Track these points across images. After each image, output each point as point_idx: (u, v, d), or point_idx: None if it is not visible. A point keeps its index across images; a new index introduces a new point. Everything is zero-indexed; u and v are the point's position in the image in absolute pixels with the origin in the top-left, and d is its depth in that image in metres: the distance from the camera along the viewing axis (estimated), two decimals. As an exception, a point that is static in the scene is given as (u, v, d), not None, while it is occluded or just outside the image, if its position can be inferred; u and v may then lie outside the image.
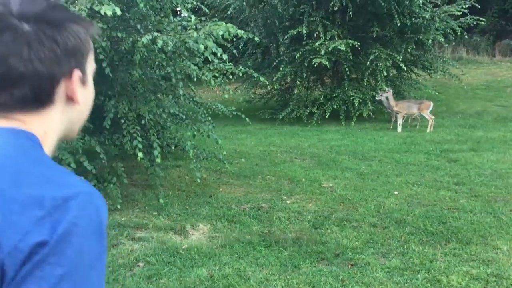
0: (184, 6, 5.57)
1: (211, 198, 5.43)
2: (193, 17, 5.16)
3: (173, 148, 6.34)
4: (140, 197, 5.44)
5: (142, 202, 5.31)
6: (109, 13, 3.91)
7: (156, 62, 5.35)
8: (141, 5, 4.63)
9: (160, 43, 4.33)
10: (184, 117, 5.99)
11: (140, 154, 4.75)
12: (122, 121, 4.90)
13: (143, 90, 5.23)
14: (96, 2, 3.98)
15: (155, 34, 4.48)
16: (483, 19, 13.30)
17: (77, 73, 0.77)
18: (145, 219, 4.81)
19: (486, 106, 12.16)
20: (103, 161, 4.90)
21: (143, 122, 5.04)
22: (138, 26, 5.28)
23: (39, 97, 0.75)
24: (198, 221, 4.73)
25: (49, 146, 0.79)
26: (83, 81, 0.80)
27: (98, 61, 4.59)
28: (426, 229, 4.43)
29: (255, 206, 5.18)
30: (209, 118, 6.34)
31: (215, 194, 5.59)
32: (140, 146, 4.77)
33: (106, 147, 5.27)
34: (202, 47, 4.55)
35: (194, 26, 5.09)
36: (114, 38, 4.72)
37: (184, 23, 5.40)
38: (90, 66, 0.83)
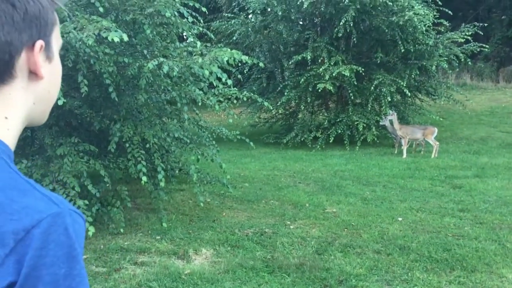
0: (190, 32, 5.67)
1: (214, 223, 5.41)
2: (198, 43, 5.25)
3: (177, 172, 6.36)
4: (144, 221, 5.43)
5: (145, 226, 5.30)
6: (116, 39, 3.98)
7: (162, 87, 5.42)
8: (148, 31, 4.72)
9: (166, 68, 4.39)
10: (188, 141, 6.02)
11: (144, 178, 4.77)
12: (127, 145, 4.93)
13: (148, 114, 5.28)
14: (104, 29, 4.06)
15: (161, 59, 4.54)
16: (487, 46, 13.41)
17: (39, 43, 0.69)
18: (148, 243, 4.79)
19: (490, 132, 12.15)
20: (107, 185, 4.92)
21: (147, 146, 5.07)
22: (145, 52, 5.36)
23: None
24: (201, 246, 4.70)
25: (11, 134, 0.69)
26: (48, 56, 0.72)
27: (104, 86, 4.66)
28: (431, 256, 4.39)
29: (258, 231, 5.16)
30: (214, 142, 6.38)
31: (218, 218, 5.58)
32: (144, 170, 4.79)
33: (111, 171, 5.30)
34: (207, 72, 4.61)
35: (200, 52, 5.16)
36: (121, 64, 4.79)
37: (190, 48, 5.48)
38: (56, 41, 0.75)
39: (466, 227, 5.20)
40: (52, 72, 0.74)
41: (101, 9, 4.58)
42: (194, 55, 5.01)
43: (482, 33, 12.38)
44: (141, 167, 4.80)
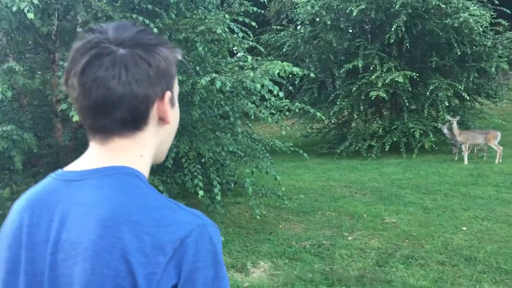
0: (241, 46, 5.75)
1: (271, 235, 5.40)
2: (249, 57, 5.31)
3: (232, 185, 6.42)
4: (201, 235, 5.50)
5: (203, 239, 5.36)
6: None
7: (215, 102, 5.52)
8: (200, 48, 4.84)
9: (218, 83, 4.47)
10: (242, 154, 6.08)
11: (201, 192, 4.85)
12: (183, 160, 5.04)
13: (203, 129, 5.38)
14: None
15: (214, 75, 4.63)
16: (550, 43, 12.71)
17: (168, 94, 0.82)
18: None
19: (559, 134, 11.45)
20: (166, 200, 5.03)
21: (203, 160, 5.16)
22: (197, 68, 5.49)
23: (136, 119, 0.79)
24: (258, 259, 4.71)
25: (146, 169, 0.83)
26: (172, 103, 0.84)
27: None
28: (499, 267, 4.17)
29: (315, 243, 5.10)
30: (267, 155, 6.40)
31: (275, 231, 5.56)
32: (200, 184, 4.87)
33: (168, 186, 5.42)
34: (258, 86, 4.65)
35: (251, 66, 5.22)
36: (175, 81, 4.92)
37: (241, 63, 5.55)
38: (176, 89, 0.86)
39: (537, 236, 4.90)
40: (174, 117, 0.86)
41: (155, 30, 4.73)
42: (246, 69, 5.07)
43: (545, 30, 11.74)
44: (197, 182, 4.89)
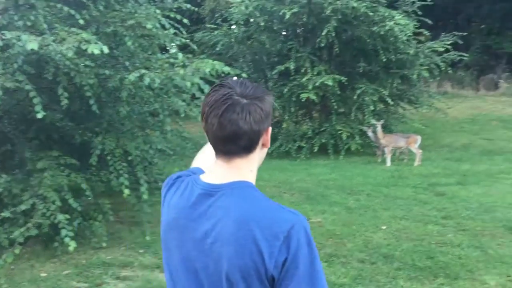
0: (172, 43, 5.67)
1: (199, 235, 5.36)
2: (180, 54, 5.24)
3: (160, 184, 6.30)
4: (126, 235, 5.37)
5: (128, 239, 5.23)
6: (97, 51, 3.96)
7: (144, 99, 5.40)
8: (129, 43, 4.71)
9: (147, 80, 4.38)
10: (172, 152, 5.99)
11: (126, 191, 4.72)
12: (109, 157, 4.88)
13: (131, 127, 5.24)
14: (84, 41, 4.04)
15: (143, 71, 4.52)
16: (466, 55, 13.65)
17: (269, 129, 1.19)
18: (131, 257, 4.73)
19: (472, 139, 12.32)
20: (89, 198, 4.85)
21: (130, 158, 5.03)
22: (127, 63, 5.35)
23: (251, 146, 1.16)
24: (184, 259, 4.65)
25: (254, 179, 1.20)
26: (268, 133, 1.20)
27: (85, 98, 4.62)
28: (414, 264, 4.41)
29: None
30: (197, 154, 6.34)
31: (202, 230, 5.52)
32: (126, 182, 4.74)
33: (93, 184, 5.23)
34: (188, 83, 4.60)
35: (182, 63, 5.16)
36: (102, 76, 4.76)
37: (172, 60, 5.47)
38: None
39: (449, 235, 5.24)
40: (268, 142, 1.21)
41: (81, 22, 4.55)
42: (176, 67, 5.01)
43: (461, 42, 12.58)
44: (123, 180, 4.75)
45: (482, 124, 14.02)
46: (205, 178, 1.21)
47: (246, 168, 1.18)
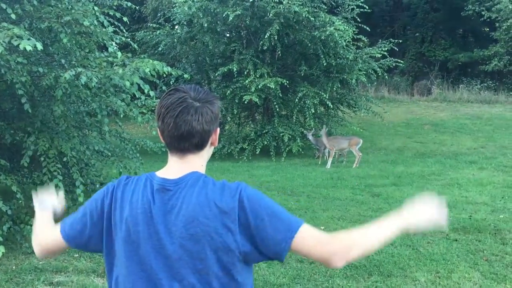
0: (113, 41, 5.53)
1: (137, 238, 5.25)
2: (119, 53, 5.12)
3: (98, 186, 6.11)
4: (61, 239, 5.16)
5: (62, 243, 5.03)
6: (29, 48, 3.79)
7: (81, 98, 5.22)
8: (65, 40, 4.54)
9: (83, 79, 4.24)
10: (110, 154, 5.84)
11: (60, 193, 4.54)
12: (42, 158, 4.68)
13: (66, 127, 5.05)
14: (16, 36, 3.85)
15: (79, 69, 4.37)
16: (402, 61, 14.29)
17: (218, 129, 1.38)
18: (65, 262, 4.56)
19: (406, 142, 12.88)
20: (20, 201, 4.63)
21: (65, 159, 4.85)
22: (63, 61, 5.15)
23: (202, 144, 1.33)
24: (122, 262, 4.54)
25: (204, 171, 1.37)
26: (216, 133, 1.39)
27: (17, 97, 4.41)
28: (350, 263, 4.54)
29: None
30: (138, 155, 6.22)
31: (141, 233, 5.42)
32: (60, 184, 4.56)
33: (24, 186, 5.00)
34: (127, 83, 4.50)
35: (122, 62, 5.04)
36: (35, 73, 4.56)
37: (111, 58, 5.33)
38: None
39: (383, 234, 5.44)
40: (216, 141, 1.39)
41: (13, 16, 4.33)
42: (115, 66, 4.88)
43: (397, 49, 13.15)
44: (57, 182, 4.57)
45: (416, 128, 14.69)
46: (161, 174, 1.34)
47: (198, 163, 1.35)
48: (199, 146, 1.32)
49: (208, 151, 1.38)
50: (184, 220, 1.25)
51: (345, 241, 1.30)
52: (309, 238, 1.28)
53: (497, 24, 18.23)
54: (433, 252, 4.81)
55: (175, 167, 1.33)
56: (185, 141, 1.29)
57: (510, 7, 17.42)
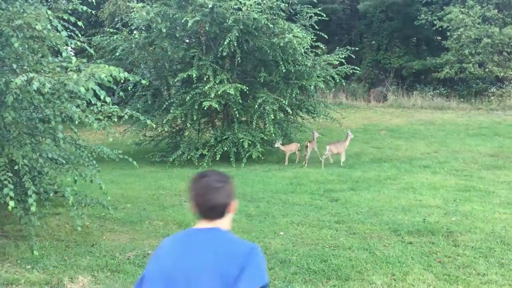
0: (67, 45, 5.38)
1: (93, 247, 5.13)
2: (74, 58, 5.00)
3: (51, 194, 5.92)
4: (12, 250, 4.98)
5: (14, 255, 4.86)
6: (-23, 52, 3.64)
7: (34, 104, 5.05)
8: (16, 44, 4.39)
9: (36, 84, 4.11)
10: (64, 161, 5.68)
11: (11, 203, 4.37)
12: (-8, 167, 4.49)
13: (17, 133, 4.88)
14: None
15: (31, 75, 4.24)
16: (358, 68, 14.62)
17: (234, 202, 1.82)
18: (17, 274, 4.39)
19: (363, 147, 13.15)
20: (-32, 212, 4.43)
21: (16, 167, 4.67)
22: (14, 66, 4.97)
23: (222, 212, 1.78)
24: (77, 273, 4.42)
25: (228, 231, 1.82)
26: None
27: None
28: (309, 268, 4.59)
29: (141, 253, 5.00)
30: (94, 162, 6.07)
31: (98, 242, 5.30)
32: (11, 194, 4.39)
33: (-28, 196, 4.77)
34: (82, 89, 4.39)
35: (77, 68, 4.92)
36: (-16, 78, 4.38)
37: (65, 64, 5.19)
38: None
39: (341, 238, 5.53)
40: (234, 210, 1.84)
41: (-40, 19, 4.16)
42: (69, 71, 4.76)
43: (354, 57, 13.45)
44: (8, 191, 4.40)
45: (372, 134, 15.03)
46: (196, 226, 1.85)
47: (221, 224, 1.80)
48: (221, 214, 1.78)
49: (227, 217, 1.82)
50: None
51: None
52: None
53: (448, 33, 18.94)
54: (389, 255, 4.93)
55: (205, 224, 1.82)
56: (212, 211, 1.77)
57: (461, 17, 18.17)
